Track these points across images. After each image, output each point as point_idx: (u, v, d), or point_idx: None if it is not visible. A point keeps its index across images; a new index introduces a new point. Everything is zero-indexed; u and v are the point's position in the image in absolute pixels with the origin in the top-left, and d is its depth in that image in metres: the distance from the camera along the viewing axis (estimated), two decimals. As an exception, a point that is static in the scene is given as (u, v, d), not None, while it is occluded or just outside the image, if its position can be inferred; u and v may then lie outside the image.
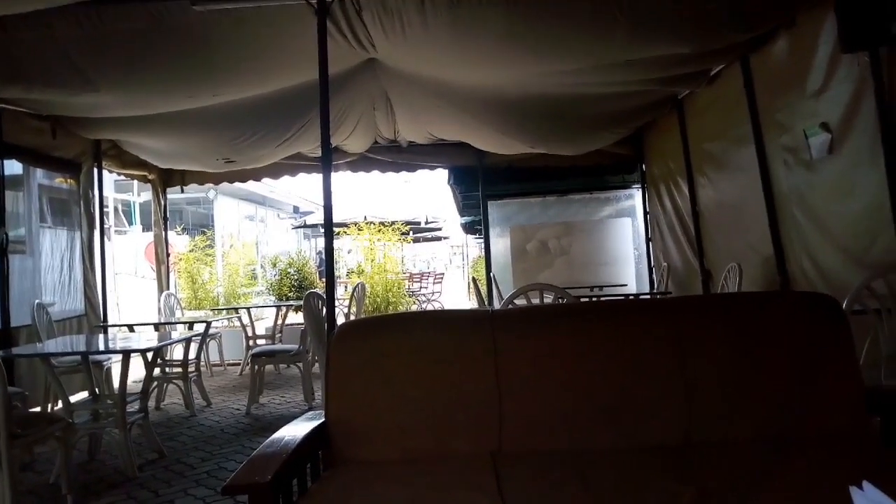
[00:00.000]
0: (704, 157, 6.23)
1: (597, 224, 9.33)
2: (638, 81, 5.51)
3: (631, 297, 7.35)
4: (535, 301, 4.39)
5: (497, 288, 8.19)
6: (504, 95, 5.84)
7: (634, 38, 4.26)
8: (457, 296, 18.50)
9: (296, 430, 2.29)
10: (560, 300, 4.22)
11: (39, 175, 6.52)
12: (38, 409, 5.28)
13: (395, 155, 8.47)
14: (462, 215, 13.07)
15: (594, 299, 6.62)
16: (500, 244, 9.31)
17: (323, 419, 2.46)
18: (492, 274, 8.53)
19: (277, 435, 2.23)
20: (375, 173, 8.82)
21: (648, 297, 7.25)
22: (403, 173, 9.09)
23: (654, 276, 8.26)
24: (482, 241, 10.08)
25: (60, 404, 4.62)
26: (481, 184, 8.82)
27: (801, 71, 4.26)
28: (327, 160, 3.53)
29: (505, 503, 1.96)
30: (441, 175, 9.92)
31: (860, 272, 3.66)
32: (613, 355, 2.51)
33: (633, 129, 7.61)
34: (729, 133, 5.57)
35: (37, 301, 5.64)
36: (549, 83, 5.49)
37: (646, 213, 8.56)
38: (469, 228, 15.04)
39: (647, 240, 8.57)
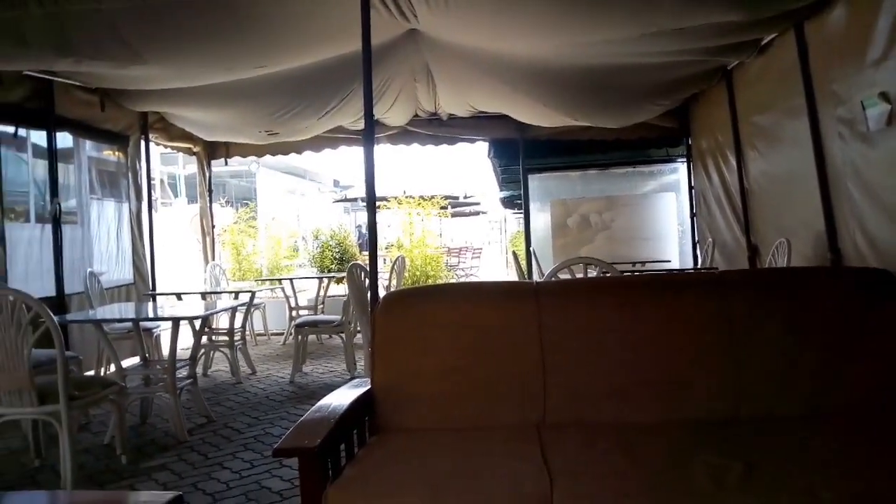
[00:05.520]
0: (754, 130, 6.04)
1: (640, 199, 9.16)
2: (685, 51, 5.35)
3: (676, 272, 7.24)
4: (580, 276, 4.34)
5: (537, 262, 8.14)
6: (548, 66, 5.73)
7: (683, 5, 4.13)
8: (495, 271, 18.47)
9: (342, 398, 2.33)
10: (604, 274, 4.17)
11: (88, 147, 6.68)
12: (91, 372, 5.48)
13: (435, 128, 8.43)
14: (502, 189, 13.00)
15: (638, 274, 6.53)
16: (540, 218, 9.21)
17: (369, 387, 2.50)
18: (531, 248, 8.48)
19: (324, 401, 2.27)
20: (415, 146, 8.80)
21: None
22: (443, 146, 9.05)
23: (698, 252, 8.11)
24: (521, 215, 10.00)
25: (113, 368, 4.78)
26: (522, 157, 8.72)
27: (861, 39, 4.07)
28: (370, 133, 3.51)
29: (550, 473, 1.97)
30: (481, 149, 9.86)
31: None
32: (661, 329, 2.48)
33: (679, 101, 7.40)
34: (780, 105, 5.38)
35: (89, 269, 5.83)
36: (595, 53, 5.37)
37: (691, 188, 8.37)
38: (508, 203, 14.96)
39: (692, 215, 8.39)
